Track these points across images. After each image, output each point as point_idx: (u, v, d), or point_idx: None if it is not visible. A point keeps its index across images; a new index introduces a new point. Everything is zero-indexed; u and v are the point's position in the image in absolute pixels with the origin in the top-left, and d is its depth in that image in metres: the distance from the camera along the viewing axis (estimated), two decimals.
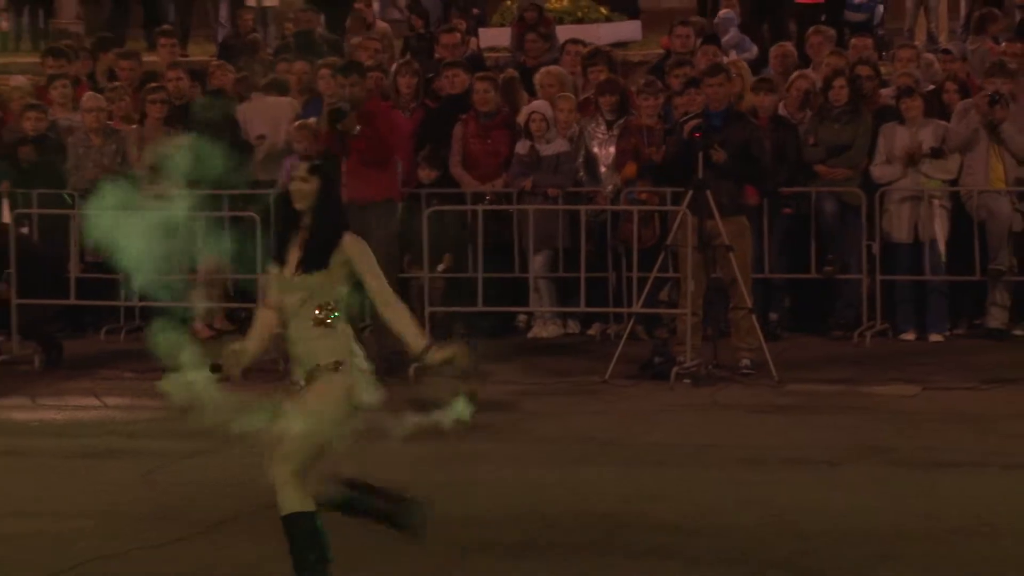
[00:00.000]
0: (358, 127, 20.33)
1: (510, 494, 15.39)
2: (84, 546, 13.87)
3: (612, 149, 21.78)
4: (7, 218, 22.02)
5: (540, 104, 22.23)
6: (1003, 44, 24.65)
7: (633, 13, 35.11)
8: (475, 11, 34.71)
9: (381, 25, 31.73)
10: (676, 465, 16.35)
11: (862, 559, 13.10)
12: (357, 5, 32.33)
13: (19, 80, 24.57)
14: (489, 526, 14.40)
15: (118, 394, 19.50)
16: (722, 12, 30.03)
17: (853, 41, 25.38)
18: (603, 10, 33.85)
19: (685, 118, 20.44)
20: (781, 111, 22.05)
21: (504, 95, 22.76)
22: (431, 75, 24.15)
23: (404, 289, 21.77)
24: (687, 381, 19.45)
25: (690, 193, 19.49)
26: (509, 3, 34.65)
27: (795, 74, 22.46)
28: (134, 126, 22.78)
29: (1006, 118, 20.80)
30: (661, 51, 27.31)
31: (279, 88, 23.68)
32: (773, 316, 21.40)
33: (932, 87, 22.24)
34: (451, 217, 21.67)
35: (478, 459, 16.71)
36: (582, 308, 21.80)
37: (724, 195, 19.48)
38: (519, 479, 15.98)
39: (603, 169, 21.89)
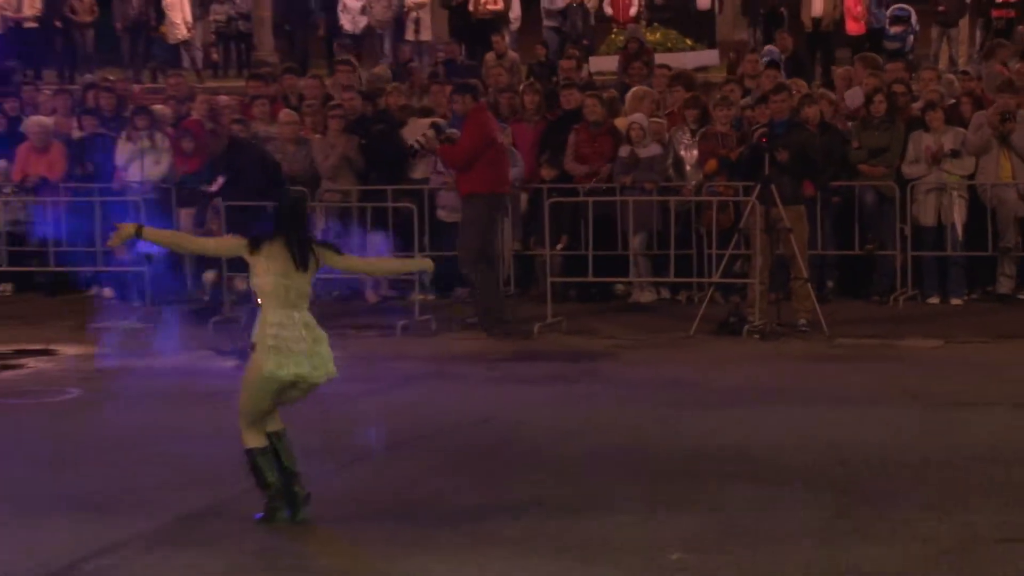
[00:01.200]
0: (456, 134, 20.55)
1: (617, 427, 15.23)
2: (229, 463, 13.77)
3: (695, 152, 21.60)
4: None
5: (638, 116, 22.08)
6: (1011, 66, 24.62)
7: (712, 44, 34.92)
8: (585, 42, 34.62)
9: (511, 54, 31.64)
10: (746, 404, 16.27)
11: (897, 483, 12.92)
12: (494, 38, 32.30)
13: (226, 99, 24.42)
14: (599, 451, 14.24)
15: None
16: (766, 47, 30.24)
17: (889, 65, 25.15)
18: (688, 41, 33.75)
19: (755, 127, 20.44)
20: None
21: (608, 109, 22.52)
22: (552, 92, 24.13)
23: (530, 263, 21.73)
24: (756, 336, 19.39)
25: (758, 186, 19.41)
26: (614, 36, 34.52)
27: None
28: (318, 136, 22.64)
29: (1014, 130, 20.66)
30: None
31: (427, 112, 23.52)
32: (829, 283, 21.23)
33: (953, 101, 22.04)
34: (567, 207, 21.47)
35: (590, 399, 16.59)
36: (671, 279, 21.66)
37: (786, 188, 19.43)
38: (622, 416, 15.80)
39: (688, 168, 21.69)
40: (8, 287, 22.49)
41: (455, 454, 14.36)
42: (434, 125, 21.31)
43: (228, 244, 12.42)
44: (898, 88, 22.41)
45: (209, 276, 21.72)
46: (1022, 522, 11.66)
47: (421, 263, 14.83)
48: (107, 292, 21.90)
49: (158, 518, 12.23)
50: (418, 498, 12.83)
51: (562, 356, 18.77)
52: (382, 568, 10.84)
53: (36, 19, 37.25)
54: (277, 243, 11.87)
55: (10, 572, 10.91)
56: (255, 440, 12.10)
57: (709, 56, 32.99)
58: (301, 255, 11.87)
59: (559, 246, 21.32)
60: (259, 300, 11.98)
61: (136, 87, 30.98)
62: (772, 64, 25.98)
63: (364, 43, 36.81)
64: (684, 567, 10.71)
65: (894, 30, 33.74)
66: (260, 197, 18.49)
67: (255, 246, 11.87)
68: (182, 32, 36.95)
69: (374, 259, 15.46)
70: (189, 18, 37.03)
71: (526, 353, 19.04)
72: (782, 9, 35.86)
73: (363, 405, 16.38)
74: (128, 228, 12.36)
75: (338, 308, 21.35)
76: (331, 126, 22.89)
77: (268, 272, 11.84)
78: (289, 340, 11.89)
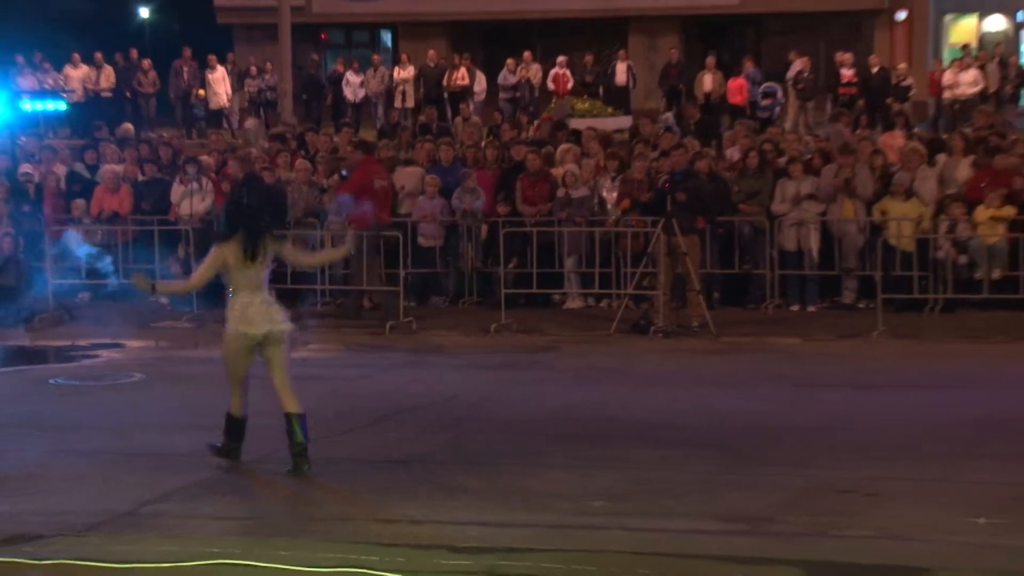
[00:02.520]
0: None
1: (555, 403, 15.27)
2: (268, 428, 13.78)
3: (615, 194, 21.60)
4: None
5: (571, 166, 22.12)
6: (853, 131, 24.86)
7: (627, 111, 34.96)
8: (531, 109, 34.79)
9: (475, 119, 31.67)
10: (652, 386, 16.34)
11: (765, 445, 13.03)
12: (462, 106, 32.43)
13: (256, 152, 24.50)
14: (541, 421, 14.29)
15: (321, 342, 19.31)
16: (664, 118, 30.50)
17: (767, 128, 25.34)
18: (609, 109, 33.80)
19: (660, 175, 20.53)
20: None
21: (545, 162, 22.59)
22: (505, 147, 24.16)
23: (489, 278, 21.72)
24: (660, 335, 19.35)
25: (663, 220, 19.39)
26: (553, 104, 34.57)
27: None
28: (326, 180, 22.65)
29: (854, 179, 20.68)
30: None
31: (410, 162, 23.51)
32: (715, 294, 21.17)
33: (809, 156, 22.04)
34: (517, 235, 21.39)
35: (537, 382, 16.64)
36: (596, 290, 21.57)
37: (683, 222, 19.38)
38: (559, 395, 15.85)
39: (609, 206, 21.63)
40: (87, 295, 22.44)
41: (430, 424, 14.38)
42: (340, 174, 22.13)
43: (211, 259, 12.41)
44: (767, 146, 22.50)
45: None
46: (858, 476, 11.75)
47: (338, 253, 16.34)
48: (162, 300, 21.85)
49: (201, 473, 12.23)
50: (402, 458, 12.87)
51: (513, 349, 18.81)
52: (375, 513, 10.86)
53: (111, 90, 37.34)
54: (234, 241, 12.08)
55: (89, 511, 10.92)
56: (235, 409, 12.55)
57: (625, 120, 32.98)
58: (251, 249, 12.04)
59: (511, 265, 21.28)
60: (229, 289, 12.22)
61: (187, 142, 31.02)
62: (668, 129, 26.39)
63: (362, 110, 36.93)
64: (603, 512, 10.77)
65: (764, 102, 33.97)
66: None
67: (219, 246, 12.13)
68: (222, 100, 37.02)
69: (307, 253, 15.88)
70: (229, 90, 37.12)
71: (485, 346, 19.08)
72: (681, 86, 36.12)
73: (359, 386, 16.42)
74: (144, 284, 12.91)
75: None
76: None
77: (229, 266, 12.07)
78: (251, 315, 12.16)
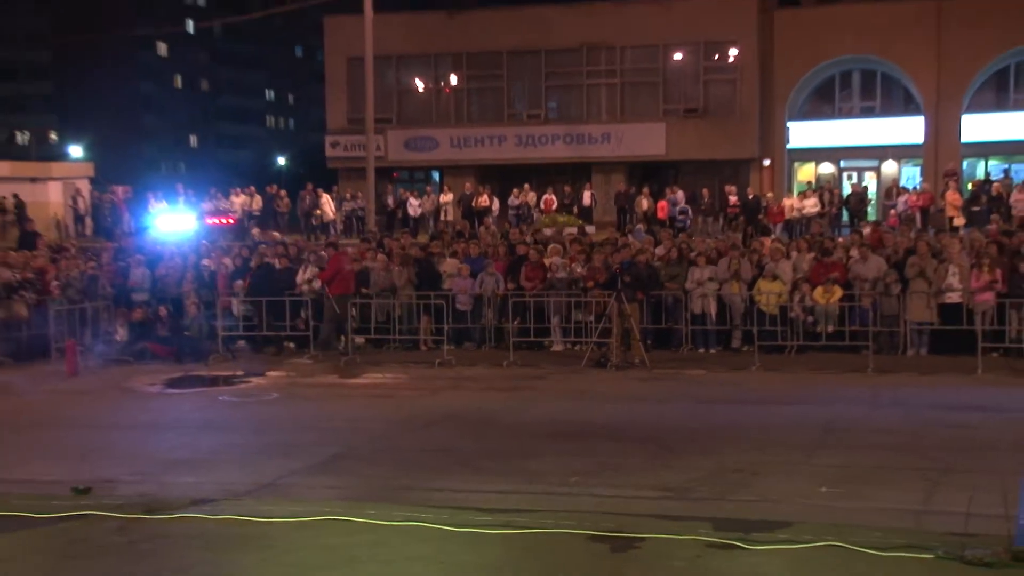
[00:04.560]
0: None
1: (545, 413, 15.15)
2: (374, 432, 13.66)
3: (585, 275, 21.45)
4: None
5: (556, 258, 22.07)
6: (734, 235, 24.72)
7: (589, 221, 35.04)
8: (530, 221, 34.84)
9: (493, 227, 31.68)
10: (608, 401, 16.16)
11: (682, 440, 12.88)
12: (485, 219, 32.39)
13: (352, 250, 24.36)
14: (536, 425, 14.14)
15: (392, 372, 19.19)
16: (635, 226, 30.44)
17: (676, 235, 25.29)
18: (580, 221, 33.88)
19: (615, 263, 20.44)
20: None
21: (540, 254, 22.55)
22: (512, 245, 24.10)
23: (501, 332, 21.52)
24: (614, 368, 19.04)
25: (615, 293, 19.26)
26: (543, 218, 34.67)
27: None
28: (396, 267, 22.56)
29: (740, 266, 20.81)
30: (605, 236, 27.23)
31: (453, 254, 23.43)
32: (650, 341, 20.68)
33: (713, 251, 21.91)
34: (521, 303, 21.32)
35: (533, 399, 16.50)
36: (572, 338, 21.23)
37: (628, 294, 19.28)
38: (547, 407, 15.73)
39: (583, 283, 21.42)
40: (243, 343, 22.26)
41: (462, 426, 14.27)
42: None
43: None
44: (683, 246, 22.47)
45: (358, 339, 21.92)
46: (744, 460, 11.67)
47: None
48: (291, 345, 21.76)
49: (315, 458, 12.18)
50: (443, 448, 12.79)
51: (518, 377, 18.64)
52: (427, 484, 10.80)
53: (259, 210, 37.46)
54: None
55: (243, 483, 10.87)
56: None
57: (591, 229, 33.04)
58: None
59: (516, 322, 21.21)
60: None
61: (307, 244, 31.02)
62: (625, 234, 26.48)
63: (419, 222, 37.01)
64: (578, 485, 10.70)
65: (681, 217, 34.10)
66: None
67: None
68: (329, 216, 37.12)
69: None
70: (333, 209, 37.23)
71: (499, 375, 18.94)
72: (626, 206, 36.23)
73: (416, 401, 16.33)
74: None
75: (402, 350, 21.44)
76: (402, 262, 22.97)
77: None
78: None
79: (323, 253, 23.38)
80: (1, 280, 21.58)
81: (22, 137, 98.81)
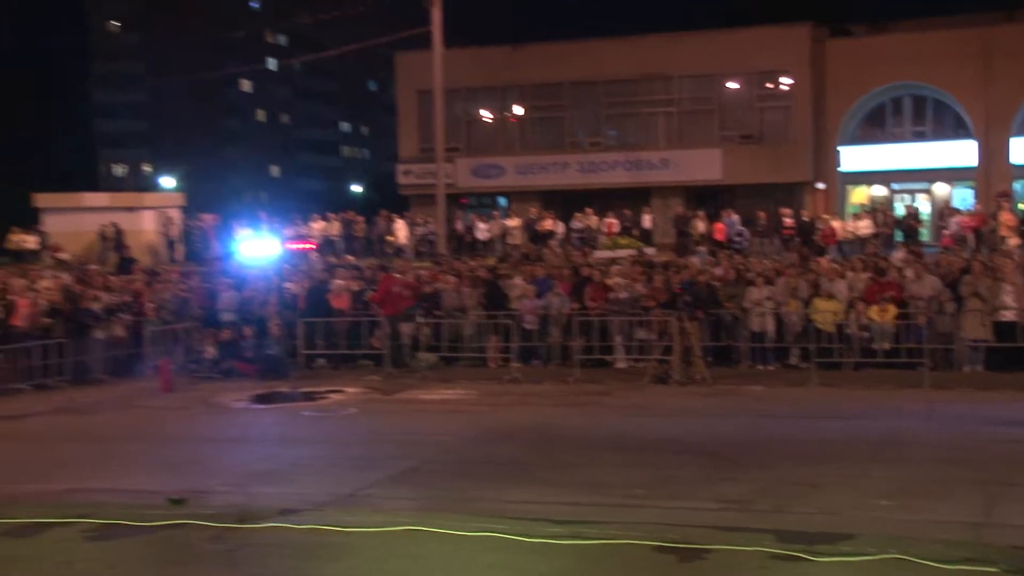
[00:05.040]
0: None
1: (609, 428, 15.05)
2: (447, 446, 13.65)
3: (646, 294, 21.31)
4: None
5: (618, 279, 22.00)
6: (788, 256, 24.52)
7: (649, 244, 34.82)
8: (593, 244, 34.63)
9: (557, 249, 31.56)
10: (670, 415, 16.04)
11: (740, 453, 12.63)
12: (549, 243, 32.18)
13: (424, 273, 24.42)
14: (600, 439, 14.05)
15: (463, 389, 19.19)
16: (698, 250, 30.19)
17: (734, 256, 25.06)
18: (641, 243, 33.62)
19: (676, 283, 20.33)
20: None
21: (602, 274, 22.48)
22: (576, 268, 24.00)
23: (567, 349, 21.42)
24: (675, 384, 18.90)
25: (677, 312, 19.17)
26: (607, 240, 34.54)
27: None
28: (467, 289, 22.56)
29: (797, 286, 20.62)
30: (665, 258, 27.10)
31: (520, 274, 23.42)
32: (709, 358, 20.18)
33: (774, 272, 21.69)
34: (585, 322, 21.13)
35: (597, 414, 16.42)
36: (635, 356, 21.06)
37: (689, 312, 19.15)
38: (613, 422, 15.63)
39: (643, 302, 21.30)
40: (323, 361, 22.37)
41: (531, 440, 14.20)
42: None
43: None
44: (740, 266, 22.27)
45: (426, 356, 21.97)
46: (803, 473, 11.51)
47: None
48: (368, 363, 21.84)
49: (392, 471, 12.20)
50: (514, 461, 12.74)
51: (583, 393, 18.54)
52: (499, 496, 10.75)
53: (337, 235, 37.67)
54: None
55: (324, 493, 10.90)
56: None
57: (651, 251, 32.78)
58: None
59: (580, 340, 20.96)
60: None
61: (381, 266, 31.12)
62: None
63: (487, 245, 36.96)
64: (642, 496, 10.60)
65: (737, 239, 33.76)
66: None
67: None
68: (402, 241, 37.27)
69: None
70: (406, 235, 37.39)
71: (564, 392, 18.86)
72: (684, 228, 35.96)
73: (487, 416, 16.30)
74: None
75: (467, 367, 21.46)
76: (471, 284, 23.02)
77: None
78: None
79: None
80: (102, 303, 21.99)
81: (119, 170, 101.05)
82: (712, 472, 11.77)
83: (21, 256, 34.54)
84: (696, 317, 19.61)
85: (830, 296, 20.33)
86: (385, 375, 20.81)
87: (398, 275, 23.15)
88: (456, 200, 42.12)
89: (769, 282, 21.02)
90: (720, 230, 34.91)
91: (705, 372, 19.18)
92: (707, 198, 40.57)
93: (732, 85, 41.62)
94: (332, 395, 18.84)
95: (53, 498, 10.71)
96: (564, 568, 8.07)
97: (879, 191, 41.25)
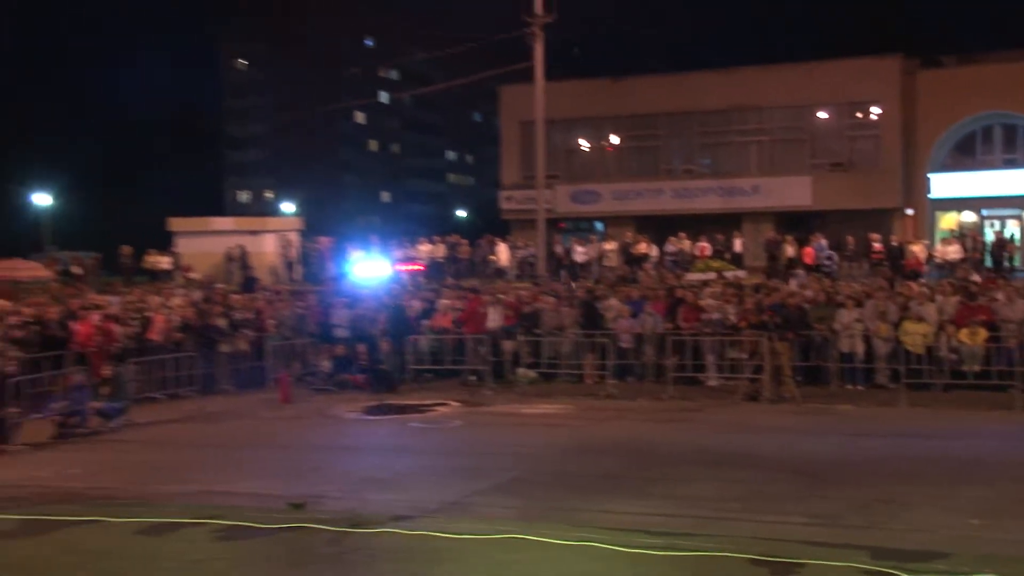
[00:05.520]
0: None
1: (701, 443, 14.83)
2: (547, 458, 13.60)
3: (735, 316, 21.02)
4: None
5: (710, 300, 21.80)
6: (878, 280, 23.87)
7: (740, 267, 34.31)
8: (685, 267, 34.26)
9: (652, 272, 31.28)
10: (762, 433, 15.72)
11: (834, 469, 12.28)
12: (644, 265, 31.95)
13: (525, 293, 24.38)
14: (693, 453, 13.82)
15: (561, 404, 19.09)
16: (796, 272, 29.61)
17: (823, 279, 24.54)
18: (732, 267, 33.20)
19: (766, 305, 20.02)
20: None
21: (696, 296, 22.25)
22: (671, 289, 23.74)
23: (661, 367, 21.16)
24: (766, 402, 18.66)
25: (767, 333, 18.95)
26: (699, 263, 34.17)
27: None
28: (565, 309, 22.48)
29: (887, 310, 19.90)
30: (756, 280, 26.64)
31: (615, 295, 23.28)
32: (798, 378, 19.77)
33: (864, 294, 21.23)
34: (679, 341, 20.92)
35: (690, 430, 16.12)
36: (727, 375, 20.57)
37: (779, 334, 18.85)
38: (705, 437, 15.37)
39: (734, 323, 21.02)
40: (431, 375, 22.48)
41: (625, 453, 14.09)
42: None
43: None
44: (829, 288, 21.85)
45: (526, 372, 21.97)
46: (894, 491, 11.21)
47: None
48: (472, 378, 21.92)
49: (494, 480, 12.22)
50: (610, 473, 12.66)
51: (676, 410, 18.37)
52: (597, 507, 10.67)
53: (443, 257, 37.83)
54: None
55: (431, 501, 10.96)
56: None
57: (741, 273, 32.28)
58: None
59: (674, 359, 20.75)
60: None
61: (470, 288, 31.15)
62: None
63: (584, 267, 36.76)
64: (736, 510, 10.43)
65: (827, 261, 33.09)
66: None
67: None
68: (503, 262, 37.33)
69: None
70: (508, 257, 37.45)
71: (658, 408, 18.69)
72: (774, 252, 35.35)
73: (584, 430, 16.23)
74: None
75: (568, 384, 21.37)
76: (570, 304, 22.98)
77: None
78: None
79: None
80: (228, 319, 22.51)
81: (244, 196, 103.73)
82: (802, 488, 11.52)
83: (156, 275, 35.47)
84: (786, 338, 19.29)
85: (920, 319, 19.81)
86: (488, 390, 20.88)
87: (487, 296, 23.23)
88: (555, 224, 42.11)
89: (859, 304, 20.58)
90: (809, 254, 34.23)
91: (795, 391, 18.86)
92: (797, 223, 39.87)
93: (822, 115, 41.10)
94: (438, 408, 18.95)
95: (184, 500, 10.96)
96: None
97: (968, 217, 40.12)
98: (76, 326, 20.40)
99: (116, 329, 20.81)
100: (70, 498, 10.84)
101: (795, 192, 40.78)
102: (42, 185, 57.22)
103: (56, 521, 6.05)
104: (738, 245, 37.41)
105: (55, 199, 57.73)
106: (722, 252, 36.51)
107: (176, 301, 23.47)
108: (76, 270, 37.23)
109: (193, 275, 34.04)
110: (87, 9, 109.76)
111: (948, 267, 31.79)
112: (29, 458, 14.56)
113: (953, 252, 32.88)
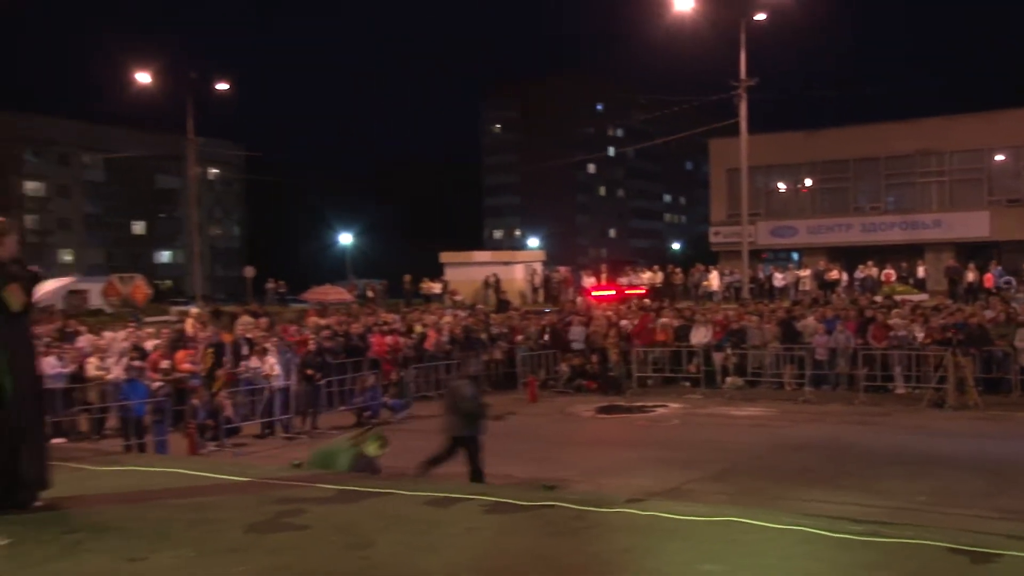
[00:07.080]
0: None
1: (890, 444, 13.87)
2: (753, 453, 13.08)
3: (923, 334, 19.46)
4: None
5: (897, 320, 20.38)
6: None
7: (923, 291, 31.99)
8: (873, 290, 32.24)
9: (842, 296, 29.67)
10: (947, 436, 14.54)
11: (1021, 469, 11.19)
12: (836, 289, 30.39)
13: (731, 313, 23.59)
14: (882, 454, 12.91)
15: (764, 407, 18.34)
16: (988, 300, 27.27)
17: (1002, 301, 22.41)
18: (916, 291, 31.02)
19: (950, 324, 18.57)
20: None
21: (884, 316, 20.85)
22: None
23: (853, 377, 20.03)
24: (950, 409, 17.13)
25: (951, 348, 17.69)
26: (886, 289, 32.14)
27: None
28: (767, 326, 21.60)
29: None
30: (936, 303, 24.63)
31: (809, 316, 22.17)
32: (979, 388, 18.06)
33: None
34: (869, 355, 19.75)
35: (880, 433, 15.15)
36: (913, 384, 19.33)
37: (962, 350, 17.53)
38: (893, 439, 14.39)
39: (918, 340, 19.54)
40: (652, 381, 22.11)
41: (821, 452, 13.42)
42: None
43: None
44: (1010, 310, 20.04)
45: (733, 380, 21.22)
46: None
47: None
48: (685, 384, 21.48)
49: (708, 471, 11.99)
50: (807, 468, 12.12)
51: (868, 414, 17.32)
52: (796, 496, 10.21)
53: (661, 283, 37.23)
54: None
55: (653, 486, 10.81)
56: None
57: (924, 296, 30.19)
58: None
59: (864, 370, 19.62)
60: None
61: (642, 307, 30.19)
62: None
63: (783, 291, 35.16)
64: (926, 503, 9.73)
65: (1005, 285, 30.31)
66: None
67: None
68: (713, 287, 36.18)
69: None
70: (719, 283, 36.30)
71: (852, 412, 17.69)
72: (955, 277, 32.71)
73: (783, 431, 15.58)
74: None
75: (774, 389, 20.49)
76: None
77: None
78: None
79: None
80: (490, 334, 23.23)
81: (498, 233, 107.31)
82: (990, 487, 10.64)
83: (429, 298, 36.97)
84: (968, 353, 17.90)
85: None
86: (701, 394, 20.45)
87: (699, 315, 22.66)
88: (757, 255, 40.92)
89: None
90: (989, 279, 31.61)
91: (978, 399, 17.49)
92: (975, 252, 37.07)
93: (999, 157, 38.15)
94: (659, 409, 18.73)
95: (457, 479, 11.32)
96: (869, 561, 7.48)
97: None
98: (372, 338, 21.48)
99: (401, 341, 21.79)
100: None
101: (973, 225, 38.04)
102: (346, 227, 61.19)
103: (362, 492, 6.41)
104: (921, 271, 35.10)
105: (355, 238, 61.47)
106: (906, 278, 34.36)
107: (446, 319, 24.34)
108: (370, 294, 39.44)
109: (458, 298, 35.19)
110: (377, 101, 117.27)
111: None
112: None
113: None
